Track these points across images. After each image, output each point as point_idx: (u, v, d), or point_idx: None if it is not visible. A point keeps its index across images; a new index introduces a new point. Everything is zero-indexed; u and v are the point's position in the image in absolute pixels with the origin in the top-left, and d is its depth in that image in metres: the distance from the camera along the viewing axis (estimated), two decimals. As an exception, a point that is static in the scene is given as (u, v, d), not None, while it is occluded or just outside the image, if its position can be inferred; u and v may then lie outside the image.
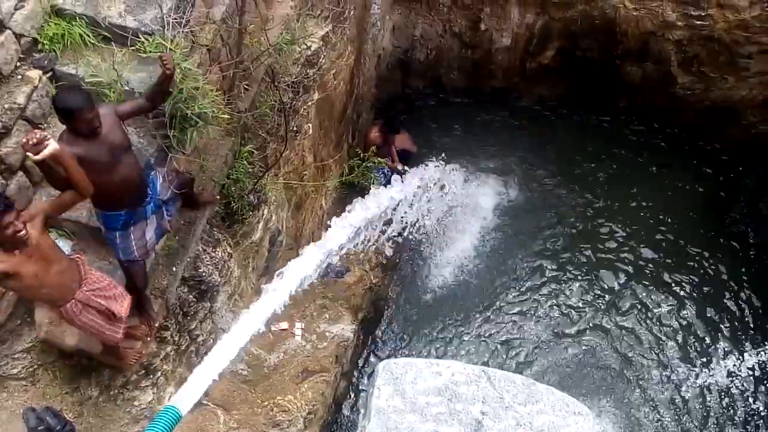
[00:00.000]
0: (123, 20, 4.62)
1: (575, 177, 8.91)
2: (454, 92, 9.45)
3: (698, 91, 8.67)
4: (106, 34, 4.60)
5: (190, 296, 5.11)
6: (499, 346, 7.64)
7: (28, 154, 3.43)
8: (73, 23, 4.56)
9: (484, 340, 7.67)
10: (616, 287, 8.09)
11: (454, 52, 9.06)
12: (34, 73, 4.42)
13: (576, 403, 3.52)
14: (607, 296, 8.03)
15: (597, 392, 7.32)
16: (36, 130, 3.48)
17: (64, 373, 4.71)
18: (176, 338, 5.04)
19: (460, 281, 8.09)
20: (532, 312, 7.89)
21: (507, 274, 8.14)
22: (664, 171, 8.98)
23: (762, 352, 6.69)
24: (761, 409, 7.09)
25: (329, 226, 5.99)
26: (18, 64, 4.38)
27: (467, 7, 8.54)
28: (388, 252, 7.97)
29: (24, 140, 3.41)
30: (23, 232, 3.52)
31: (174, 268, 4.86)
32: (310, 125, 6.52)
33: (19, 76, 4.38)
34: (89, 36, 4.58)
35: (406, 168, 7.98)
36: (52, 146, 3.42)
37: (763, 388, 7.17)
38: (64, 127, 3.87)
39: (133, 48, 4.50)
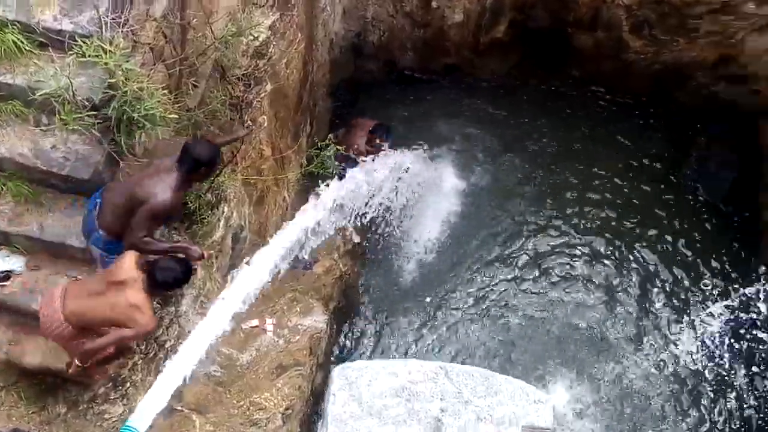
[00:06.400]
0: (59, 24, 4.47)
1: (532, 149, 8.92)
2: (408, 72, 9.36)
3: (650, 55, 8.69)
4: (41, 39, 4.43)
5: (153, 303, 5.00)
6: (470, 326, 7.65)
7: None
8: (5, 30, 4.38)
9: (456, 323, 7.66)
10: (580, 257, 8.16)
11: (406, 32, 8.94)
12: (-32, 86, 4.24)
13: (535, 391, 3.52)
14: (571, 267, 8.09)
15: (568, 366, 7.39)
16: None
17: (29, 393, 4.60)
18: (142, 347, 4.93)
19: (429, 263, 8.07)
20: (499, 290, 7.91)
21: (474, 253, 8.13)
22: (620, 136, 9.03)
23: (722, 308, 6.68)
24: (727, 365, 7.24)
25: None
26: (-52, 77, 4.20)
27: (417, -15, 8.44)
28: (356, 239, 7.92)
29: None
30: None
31: (134, 276, 4.73)
32: (265, 117, 6.39)
33: (-49, 90, 4.21)
34: (23, 42, 4.40)
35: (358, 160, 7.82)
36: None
37: (728, 343, 7.28)
38: None
39: (71, 53, 4.33)
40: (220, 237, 5.90)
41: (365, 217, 7.86)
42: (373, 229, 8.16)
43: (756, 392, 7.11)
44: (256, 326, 6.32)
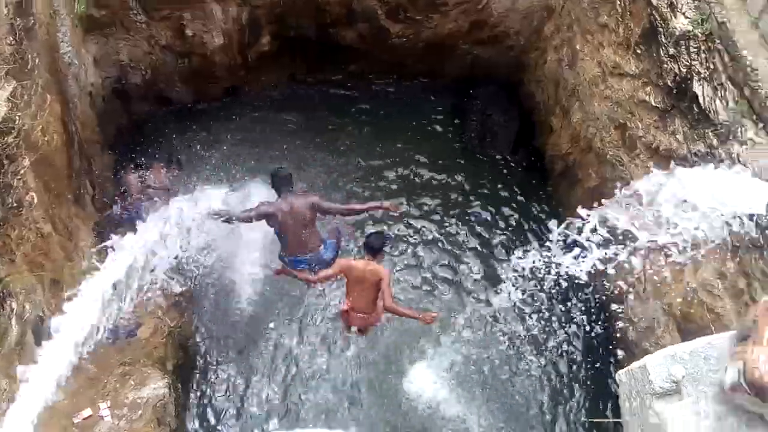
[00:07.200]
0: None
1: (334, 149, 9.06)
2: (184, 106, 9.02)
3: (411, 36, 9.09)
4: None
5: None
6: (314, 342, 7.67)
7: None
8: None
9: (302, 343, 7.64)
10: (405, 241, 8.44)
11: (170, 66, 8.59)
12: None
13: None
14: (400, 251, 8.36)
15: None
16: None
17: None
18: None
19: (261, 291, 7.87)
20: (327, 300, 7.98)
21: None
22: (409, 116, 9.45)
23: (517, 256, 7.13)
24: (540, 306, 7.87)
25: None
26: None
27: (166, 18, 8.08)
28: (177, 289, 7.46)
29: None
30: None
31: None
32: (33, 194, 5.78)
33: None
34: None
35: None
36: None
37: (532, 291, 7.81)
38: None
39: None
40: (18, 336, 5.29)
41: (177, 263, 7.45)
42: (191, 270, 7.77)
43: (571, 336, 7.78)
44: (90, 416, 5.78)
